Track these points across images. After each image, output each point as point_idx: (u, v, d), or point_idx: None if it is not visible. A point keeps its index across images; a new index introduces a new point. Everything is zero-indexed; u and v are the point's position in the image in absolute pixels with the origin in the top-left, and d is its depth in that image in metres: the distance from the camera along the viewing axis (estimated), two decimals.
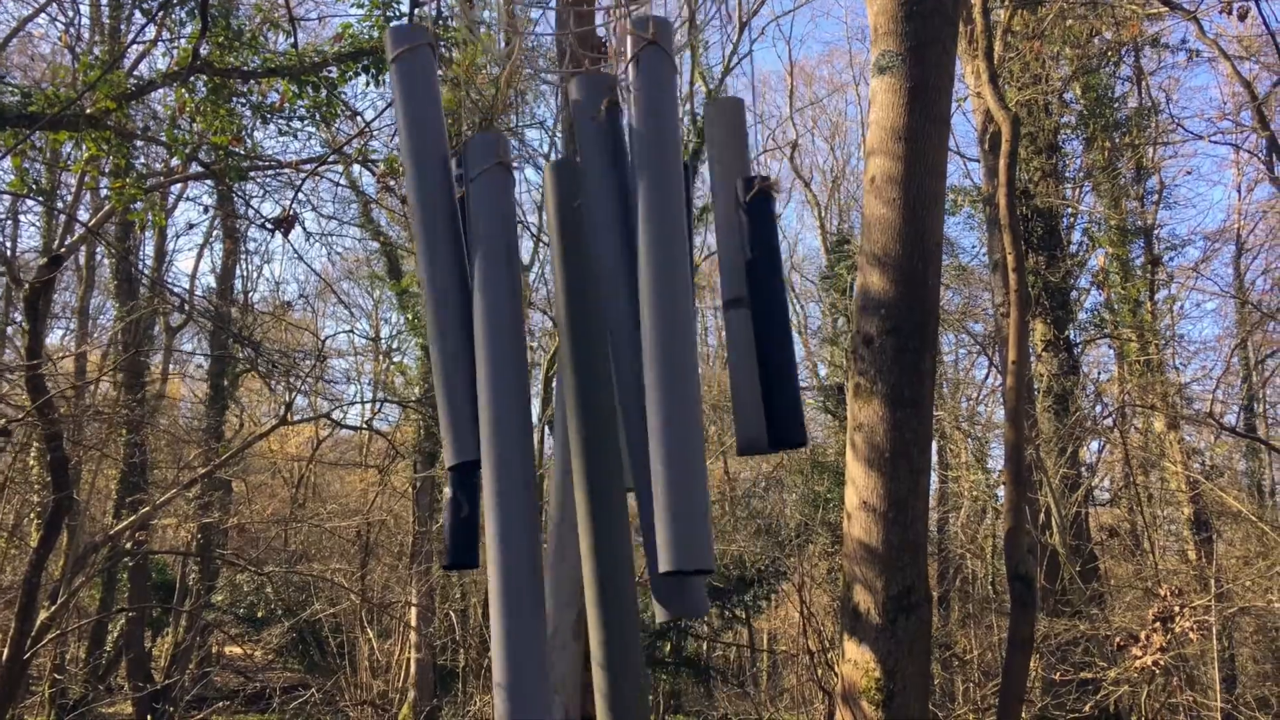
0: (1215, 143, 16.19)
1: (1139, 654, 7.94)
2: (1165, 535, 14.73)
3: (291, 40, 7.67)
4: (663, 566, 1.77)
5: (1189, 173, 22.57)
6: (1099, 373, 17.35)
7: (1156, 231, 16.26)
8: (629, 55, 2.04)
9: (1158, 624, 7.84)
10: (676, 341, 1.88)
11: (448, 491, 2.19)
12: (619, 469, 2.07)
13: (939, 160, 5.15)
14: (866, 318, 5.05)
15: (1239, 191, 21.62)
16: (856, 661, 4.83)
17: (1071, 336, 14.80)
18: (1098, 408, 15.93)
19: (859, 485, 4.96)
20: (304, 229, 20.25)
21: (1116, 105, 15.47)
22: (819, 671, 13.15)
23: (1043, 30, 12.71)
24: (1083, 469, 14.28)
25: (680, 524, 1.78)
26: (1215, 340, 22.13)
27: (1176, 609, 7.91)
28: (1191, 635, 8.03)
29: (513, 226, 2.17)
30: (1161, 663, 8.16)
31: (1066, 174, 15.89)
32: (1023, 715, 10.21)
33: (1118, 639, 9.16)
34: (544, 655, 1.91)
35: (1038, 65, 13.30)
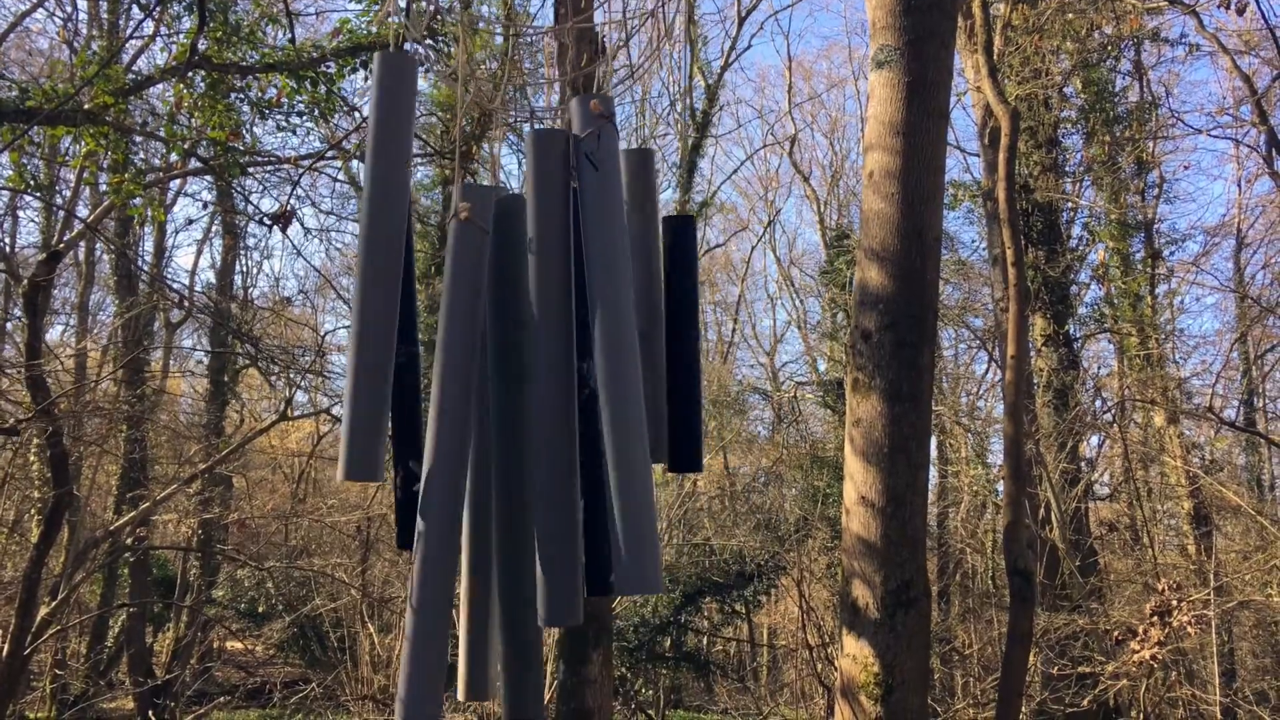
0: (1215, 137, 16.17)
1: (1137, 648, 7.96)
2: (1165, 530, 14.74)
3: (289, 35, 7.67)
4: (619, 591, 1.97)
5: (1187, 167, 22.53)
6: (1099, 367, 17.37)
7: (1157, 226, 16.26)
8: (578, 123, 2.23)
9: (1156, 618, 7.85)
10: (623, 376, 2.05)
11: (396, 474, 2.30)
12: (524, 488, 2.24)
13: (937, 155, 5.15)
14: (865, 313, 5.05)
15: (1239, 186, 21.61)
16: (855, 656, 4.83)
17: (1071, 331, 14.80)
18: (1097, 402, 15.94)
19: (857, 480, 4.97)
20: (302, 225, 20.30)
21: (1116, 100, 15.46)
22: (819, 667, 13.16)
23: (1042, 24, 12.69)
24: (1082, 464, 14.29)
25: (632, 551, 1.95)
26: (1215, 335, 22.12)
27: (1174, 603, 7.92)
28: (1190, 629, 8.04)
29: (478, 283, 2.26)
30: (1160, 657, 8.17)
31: (1066, 168, 15.88)
32: (1022, 710, 10.23)
33: (1116, 633, 9.17)
34: (442, 677, 2.10)
35: (1037, 60, 13.28)
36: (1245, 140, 15.21)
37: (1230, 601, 10.39)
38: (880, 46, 5.18)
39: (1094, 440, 15.74)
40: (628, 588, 1.95)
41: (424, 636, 2.07)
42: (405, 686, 2.06)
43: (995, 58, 10.19)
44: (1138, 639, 8.04)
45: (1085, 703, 10.03)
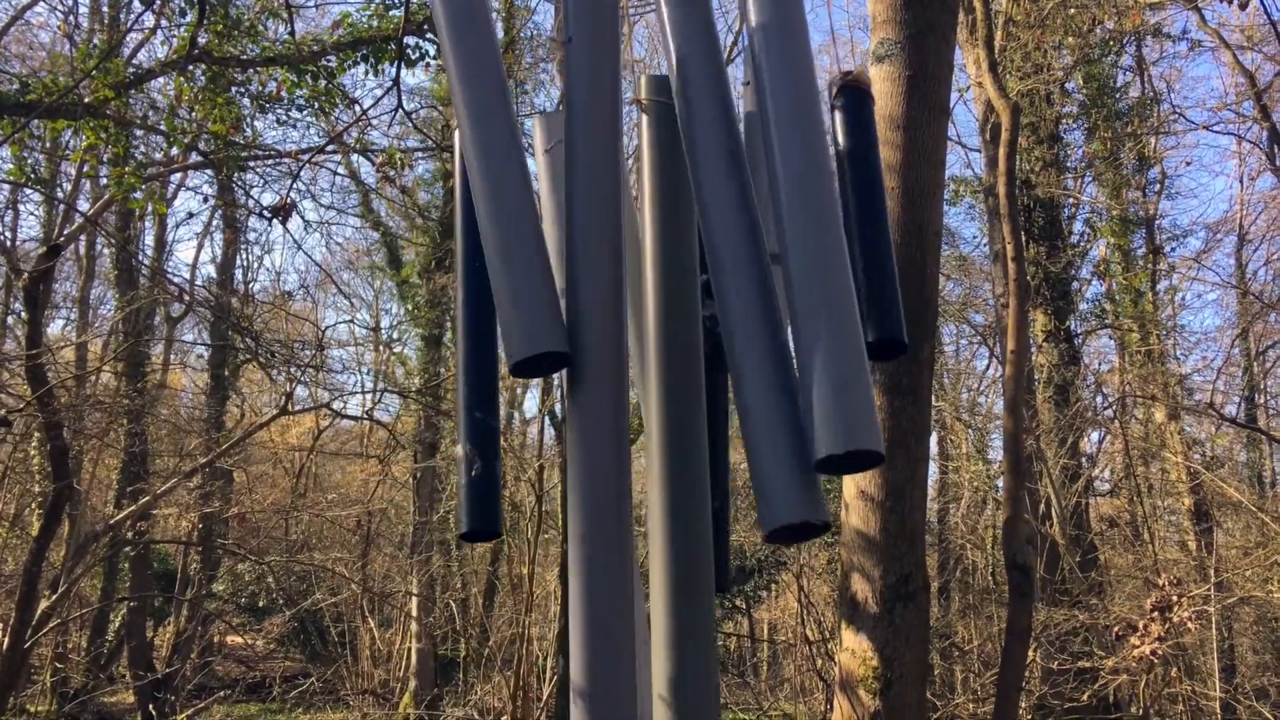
0: (1216, 133, 16.17)
1: (1137, 643, 7.96)
2: (1165, 526, 14.75)
3: (289, 29, 7.66)
4: (827, 450, 1.48)
5: (1189, 163, 22.55)
6: (1100, 363, 17.38)
7: (1158, 222, 16.26)
8: None
9: (1156, 613, 7.85)
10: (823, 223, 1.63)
11: (460, 449, 1.84)
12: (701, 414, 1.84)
13: (938, 149, 5.14)
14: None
15: (1241, 182, 21.59)
16: (854, 650, 4.83)
17: (1072, 327, 14.79)
18: (1098, 398, 15.94)
19: (856, 474, 4.96)
20: (303, 219, 20.29)
21: (1118, 95, 15.44)
22: (819, 662, 13.17)
23: (1044, 19, 12.67)
24: (1083, 459, 14.28)
25: (843, 399, 1.50)
26: (1216, 331, 22.14)
27: (1175, 598, 7.93)
28: (1190, 625, 8.05)
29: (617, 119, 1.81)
30: (1160, 652, 8.17)
31: (1068, 164, 15.86)
32: (1021, 704, 10.22)
33: (1116, 628, 9.18)
34: (632, 652, 1.60)
35: (1039, 55, 13.26)
36: (1247, 136, 15.21)
37: (1231, 597, 10.39)
38: (880, 40, 5.17)
39: (1095, 436, 15.76)
40: (847, 446, 1.48)
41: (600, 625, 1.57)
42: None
43: (997, 52, 10.17)
44: (1138, 634, 8.04)
45: (1085, 697, 10.04)
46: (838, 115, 2.07)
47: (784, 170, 1.66)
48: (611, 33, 1.83)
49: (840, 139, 2.04)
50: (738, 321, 1.65)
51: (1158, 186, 16.41)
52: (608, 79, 1.82)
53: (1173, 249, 16.40)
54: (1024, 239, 14.07)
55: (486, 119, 1.76)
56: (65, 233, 12.91)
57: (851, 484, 4.99)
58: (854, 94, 2.06)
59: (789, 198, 1.64)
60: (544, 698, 12.40)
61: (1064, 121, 15.55)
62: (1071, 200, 15.75)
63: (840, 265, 1.60)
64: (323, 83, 8.38)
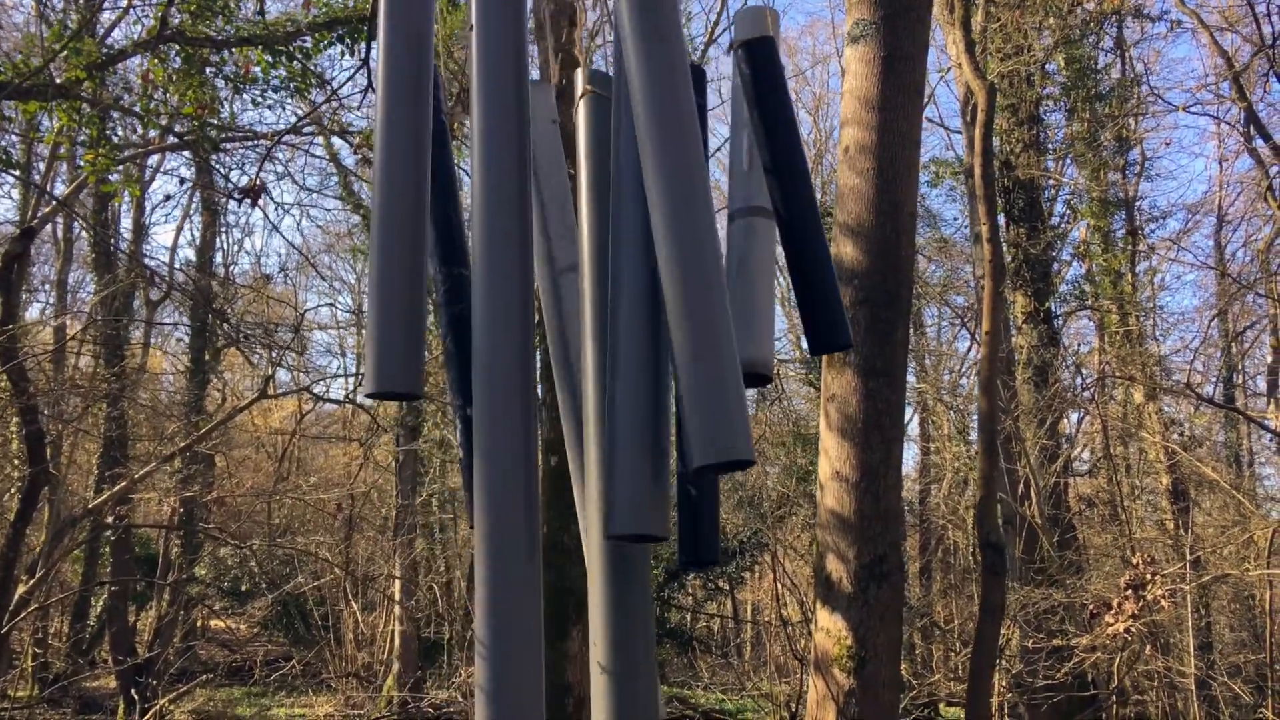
0: (1195, 114, 16.25)
1: (1111, 621, 8.03)
2: (1143, 505, 14.86)
3: (258, 8, 7.58)
4: (698, 460, 1.51)
5: (1168, 144, 22.62)
6: (1079, 345, 17.48)
7: (1137, 203, 16.33)
8: None
9: (1130, 591, 7.92)
10: (698, 233, 1.62)
11: (460, 436, 1.84)
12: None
13: (913, 130, 5.13)
14: (840, 288, 5.05)
15: (1219, 164, 21.69)
16: (829, 630, 4.85)
17: (1052, 308, 14.85)
18: (1077, 379, 16.03)
19: (832, 455, 4.97)
20: (273, 200, 20.14)
21: (1099, 77, 15.46)
22: (801, 643, 13.24)
23: (1024, 0, 12.67)
24: (1062, 440, 14.37)
25: (716, 411, 1.51)
26: (1195, 312, 22.26)
27: (1149, 576, 8.00)
28: (1164, 603, 8.12)
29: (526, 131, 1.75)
30: (1133, 629, 8.25)
31: (1048, 146, 15.89)
32: (998, 682, 10.31)
33: (1091, 606, 9.26)
34: (539, 656, 1.57)
35: (1020, 36, 13.27)
36: (1225, 118, 15.27)
37: (1207, 576, 10.49)
38: (855, 21, 5.16)
39: (1073, 416, 15.85)
40: (717, 458, 1.51)
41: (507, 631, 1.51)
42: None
43: (977, 33, 10.18)
44: (1112, 612, 8.11)
45: (1060, 675, 10.12)
46: (741, 76, 2.00)
47: (655, 177, 1.63)
48: (516, 21, 1.77)
49: (748, 103, 1.96)
50: (623, 323, 1.68)
51: (1137, 168, 16.48)
52: (511, 67, 1.76)
53: (1152, 230, 16.50)
54: (1004, 221, 14.12)
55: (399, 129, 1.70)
56: (39, 215, 12.78)
57: (827, 465, 5.00)
58: (755, 46, 1.96)
59: (661, 212, 1.61)
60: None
61: (1044, 103, 15.57)
62: (1052, 182, 15.79)
63: (715, 280, 1.58)
64: (298, 64, 8.31)
